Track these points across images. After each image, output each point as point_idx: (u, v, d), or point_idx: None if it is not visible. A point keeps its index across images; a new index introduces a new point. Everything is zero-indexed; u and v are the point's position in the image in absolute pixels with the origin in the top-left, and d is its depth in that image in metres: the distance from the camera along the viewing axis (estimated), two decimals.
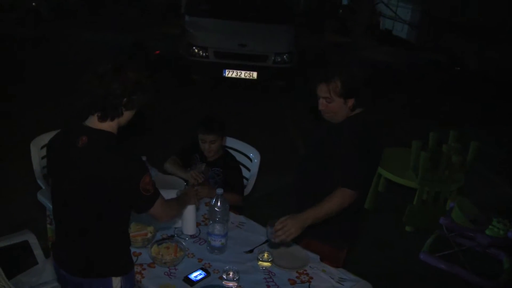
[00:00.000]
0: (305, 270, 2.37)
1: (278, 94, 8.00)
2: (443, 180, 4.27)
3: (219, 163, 3.26)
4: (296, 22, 8.64)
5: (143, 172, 1.89)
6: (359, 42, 13.37)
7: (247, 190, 3.46)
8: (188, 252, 2.43)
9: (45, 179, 3.26)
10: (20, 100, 6.82)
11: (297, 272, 2.35)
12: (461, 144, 4.49)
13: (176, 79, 7.96)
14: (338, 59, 2.65)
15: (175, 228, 2.64)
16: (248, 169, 3.58)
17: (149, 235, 2.48)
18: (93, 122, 1.91)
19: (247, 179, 3.55)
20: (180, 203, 2.30)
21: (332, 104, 2.39)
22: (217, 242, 2.43)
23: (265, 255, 2.39)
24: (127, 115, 1.95)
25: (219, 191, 2.48)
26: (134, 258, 2.33)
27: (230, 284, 2.21)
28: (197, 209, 2.59)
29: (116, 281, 2.01)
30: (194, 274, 2.27)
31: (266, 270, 2.33)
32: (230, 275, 2.23)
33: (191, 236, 2.58)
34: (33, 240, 2.75)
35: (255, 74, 7.51)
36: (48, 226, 3.09)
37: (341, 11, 15.92)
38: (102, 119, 1.89)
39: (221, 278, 2.24)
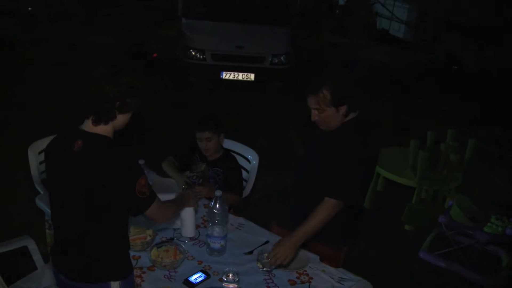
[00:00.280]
0: (305, 271, 2.37)
1: (276, 95, 8.01)
2: (442, 179, 4.28)
3: (219, 164, 3.28)
4: (293, 23, 8.65)
5: (138, 175, 1.90)
6: (356, 42, 13.39)
7: (246, 192, 3.47)
8: (188, 255, 2.44)
9: (44, 184, 3.26)
10: (19, 103, 6.82)
11: (297, 272, 2.35)
12: (459, 142, 4.50)
13: (174, 82, 7.97)
14: (327, 68, 2.65)
15: (175, 230, 2.64)
16: (247, 171, 3.58)
17: (149, 238, 2.48)
18: (88, 126, 1.92)
19: (245, 181, 3.55)
20: (177, 205, 2.30)
21: (324, 114, 2.39)
22: (216, 244, 2.43)
23: (265, 256, 2.39)
24: (121, 118, 1.95)
25: (218, 193, 2.48)
26: (134, 262, 2.34)
27: (230, 286, 2.21)
28: (196, 211, 2.59)
29: (115, 286, 2.01)
30: (194, 276, 2.27)
31: (266, 271, 2.33)
32: (230, 277, 2.23)
33: (191, 239, 2.59)
34: (32, 246, 2.75)
35: (252, 76, 7.52)
36: (47, 231, 3.09)
37: (337, 11, 15.95)
38: (96, 122, 1.90)
39: (221, 280, 2.25)
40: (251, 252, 2.50)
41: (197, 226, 2.69)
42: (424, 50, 12.39)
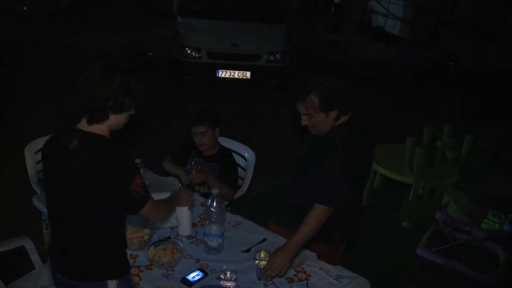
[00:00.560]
0: (303, 268, 2.38)
1: (272, 93, 8.00)
2: (438, 176, 4.29)
3: (215, 159, 3.29)
4: (288, 21, 8.65)
5: (134, 175, 1.89)
6: (352, 39, 13.40)
7: (243, 190, 3.47)
8: (185, 253, 2.43)
9: (41, 183, 3.25)
10: (16, 102, 6.80)
11: (294, 270, 2.36)
12: (455, 139, 4.51)
13: (170, 81, 7.96)
14: (313, 75, 2.61)
15: (172, 229, 2.64)
16: (243, 169, 3.58)
17: (146, 237, 2.48)
18: (84, 125, 1.92)
19: (242, 179, 3.56)
20: (169, 204, 2.29)
21: (314, 119, 2.37)
22: (214, 243, 2.43)
23: (262, 254, 2.39)
24: (115, 118, 1.94)
25: (215, 191, 2.48)
26: (131, 261, 2.33)
27: (228, 284, 2.22)
28: (190, 209, 2.56)
29: (112, 285, 2.01)
30: (192, 275, 2.27)
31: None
32: (228, 275, 2.23)
33: (188, 237, 2.58)
34: (29, 245, 2.74)
35: (248, 74, 7.52)
36: (44, 231, 3.08)
37: (333, 9, 15.96)
38: (89, 122, 1.90)
39: (219, 278, 2.25)
40: (248, 250, 2.50)
41: (194, 225, 2.69)
42: (420, 47, 12.41)
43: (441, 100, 8.52)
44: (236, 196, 3.41)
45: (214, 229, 2.41)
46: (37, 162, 3.34)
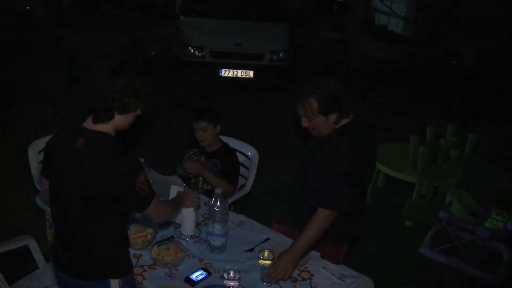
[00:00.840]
0: (306, 268, 2.38)
1: (275, 92, 8.00)
2: (442, 175, 4.28)
3: (217, 155, 3.31)
4: (291, 20, 8.63)
5: (138, 172, 1.91)
6: (355, 38, 13.37)
7: (246, 189, 3.47)
8: (189, 253, 2.43)
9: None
10: (19, 102, 6.81)
11: (298, 269, 2.35)
12: (458, 138, 4.50)
13: (173, 80, 7.96)
14: (313, 78, 2.61)
15: (175, 229, 2.64)
16: (247, 168, 3.58)
17: (149, 236, 2.48)
18: (90, 123, 1.94)
19: (245, 178, 3.56)
20: (174, 205, 2.30)
21: (313, 121, 2.36)
22: (217, 242, 2.43)
23: (266, 253, 2.40)
24: (120, 118, 1.96)
25: (218, 191, 2.48)
26: (135, 260, 2.34)
27: (232, 283, 2.21)
28: (195, 209, 2.57)
29: (114, 284, 2.01)
30: (195, 274, 2.27)
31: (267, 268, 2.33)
32: (231, 275, 2.23)
33: (191, 237, 2.58)
34: (33, 245, 2.75)
35: (251, 73, 7.51)
36: (48, 230, 3.09)
37: (336, 7, 15.92)
38: (95, 121, 1.92)
39: (222, 278, 2.25)
40: (252, 250, 2.50)
41: (198, 224, 2.69)
42: (423, 45, 12.38)
43: (444, 99, 8.49)
44: (240, 195, 3.41)
45: (217, 228, 2.41)
46: (40, 162, 3.34)
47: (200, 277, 2.25)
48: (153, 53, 8.85)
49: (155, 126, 6.07)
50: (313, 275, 2.33)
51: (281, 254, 2.29)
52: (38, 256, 2.77)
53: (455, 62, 10.30)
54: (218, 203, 2.44)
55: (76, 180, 1.90)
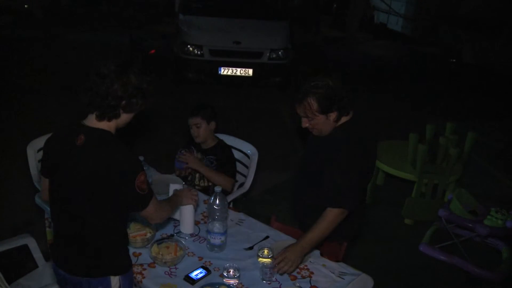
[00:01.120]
0: (306, 265, 2.38)
1: (274, 90, 8.00)
2: (441, 172, 4.29)
3: (213, 152, 3.33)
4: (290, 18, 8.62)
5: (138, 171, 1.91)
6: (354, 36, 13.37)
7: (245, 187, 3.47)
8: (188, 251, 2.43)
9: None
10: (18, 101, 6.81)
11: (297, 267, 2.35)
12: (458, 136, 4.50)
13: (172, 78, 7.95)
14: (311, 77, 2.61)
15: (175, 227, 2.64)
16: (246, 166, 3.58)
17: (149, 235, 2.48)
18: (91, 121, 1.93)
19: (244, 176, 3.56)
20: (171, 205, 2.28)
21: (314, 121, 2.37)
22: (216, 240, 2.43)
23: (265, 251, 2.40)
24: (124, 117, 1.97)
25: (218, 189, 2.48)
26: (134, 259, 2.34)
27: (231, 281, 2.22)
28: (194, 207, 2.57)
29: (115, 280, 2.02)
30: (195, 272, 2.27)
31: (267, 266, 2.33)
32: (231, 273, 2.23)
33: (191, 235, 2.58)
34: (32, 244, 2.75)
35: (250, 71, 7.50)
36: (47, 229, 3.09)
37: (335, 5, 15.91)
38: (99, 118, 1.91)
39: (222, 276, 2.25)
40: (251, 248, 2.50)
41: (197, 222, 2.69)
42: (422, 43, 12.38)
43: (444, 97, 8.50)
44: (239, 193, 3.41)
45: (217, 226, 2.41)
46: (40, 161, 3.34)
47: (200, 275, 2.25)
48: (153, 51, 8.84)
49: (154, 124, 6.06)
50: (312, 273, 2.33)
51: (288, 247, 2.31)
52: (38, 255, 2.77)
53: (454, 60, 10.31)
54: (217, 201, 2.44)
55: (77, 177, 1.90)
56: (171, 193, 2.55)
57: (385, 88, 8.81)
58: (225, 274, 2.24)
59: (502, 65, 9.09)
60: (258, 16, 8.10)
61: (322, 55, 10.94)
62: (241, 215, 2.83)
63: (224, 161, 3.32)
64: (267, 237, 2.60)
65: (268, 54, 7.53)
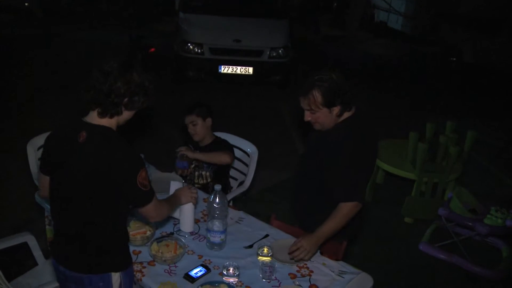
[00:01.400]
0: (306, 264, 2.38)
1: (274, 89, 7.99)
2: (441, 171, 4.28)
3: (210, 148, 3.34)
4: (290, 16, 8.61)
5: (140, 167, 1.92)
6: (354, 35, 13.35)
7: (245, 185, 3.47)
8: (188, 249, 2.44)
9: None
10: (19, 99, 6.80)
11: (297, 266, 2.36)
12: (457, 134, 4.50)
13: (172, 76, 7.95)
14: (316, 71, 2.63)
15: (175, 225, 2.64)
16: (246, 164, 3.58)
17: (148, 233, 2.48)
18: (93, 118, 1.95)
19: (244, 174, 3.56)
20: (170, 203, 2.29)
21: (317, 114, 2.37)
22: (216, 238, 2.43)
23: (265, 249, 2.40)
24: (126, 114, 1.99)
25: (217, 187, 2.47)
26: (134, 257, 2.34)
27: (231, 279, 2.22)
28: (194, 205, 2.57)
29: (116, 277, 2.03)
30: (195, 270, 2.27)
31: (267, 264, 2.33)
32: (231, 271, 2.23)
33: (191, 233, 2.59)
34: (32, 242, 2.75)
35: (250, 70, 7.49)
36: (47, 227, 3.09)
37: (335, 4, 15.89)
38: (101, 115, 1.93)
39: (222, 274, 2.25)
40: (251, 246, 2.50)
41: (197, 221, 2.70)
42: (422, 42, 12.37)
43: (444, 96, 8.49)
44: (239, 192, 3.42)
45: (216, 224, 2.41)
46: (39, 159, 3.34)
47: (200, 273, 2.25)
48: (153, 49, 8.82)
49: (154, 122, 6.06)
50: (312, 271, 2.33)
51: (303, 236, 2.35)
52: (38, 253, 2.77)
53: (454, 58, 10.29)
54: (217, 199, 2.44)
55: (78, 174, 1.91)
56: (172, 191, 2.55)
57: (385, 87, 8.80)
58: (224, 272, 2.24)
59: (502, 63, 9.08)
60: (258, 14, 8.09)
61: (322, 54, 10.93)
62: (241, 214, 2.83)
63: (220, 150, 3.34)
64: (267, 235, 2.60)
65: (268, 53, 7.52)
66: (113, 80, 1.88)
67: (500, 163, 5.73)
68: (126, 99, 1.93)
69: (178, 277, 2.24)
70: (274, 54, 7.58)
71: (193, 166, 3.32)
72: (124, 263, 2.08)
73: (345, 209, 2.36)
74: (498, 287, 3.65)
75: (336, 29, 14.28)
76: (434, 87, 9.05)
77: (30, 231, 2.82)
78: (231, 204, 3.22)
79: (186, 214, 2.55)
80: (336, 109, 2.35)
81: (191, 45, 7.45)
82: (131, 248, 2.35)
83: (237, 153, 3.54)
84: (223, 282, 2.20)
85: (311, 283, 2.25)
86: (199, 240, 2.54)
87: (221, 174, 3.40)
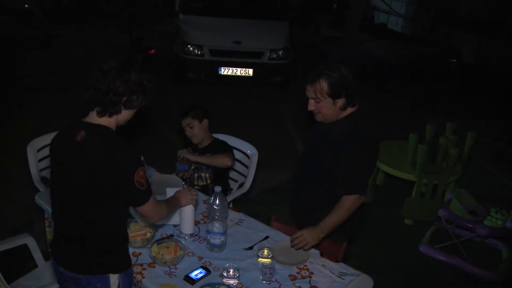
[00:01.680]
0: (306, 266, 2.38)
1: (275, 90, 8.00)
2: (441, 173, 4.28)
3: (209, 150, 3.35)
4: (290, 18, 8.62)
5: (137, 166, 1.93)
6: (354, 36, 13.36)
7: (246, 187, 3.47)
8: (188, 251, 2.43)
9: (43, 182, 3.26)
10: (17, 101, 6.80)
11: (297, 267, 2.35)
12: (457, 136, 4.50)
13: (172, 78, 7.95)
14: (326, 60, 2.67)
15: (175, 227, 2.64)
16: (246, 166, 3.58)
17: (149, 235, 2.48)
18: (92, 117, 1.97)
19: (244, 176, 3.56)
20: (170, 205, 2.29)
21: (321, 104, 2.40)
22: (216, 240, 2.43)
23: (265, 251, 2.39)
24: (125, 114, 2.00)
25: (217, 189, 2.47)
26: (134, 258, 2.34)
27: (231, 281, 2.21)
28: (194, 207, 2.57)
29: (114, 278, 2.03)
30: (195, 272, 2.27)
31: (267, 266, 2.33)
32: (231, 273, 2.23)
33: (191, 235, 2.58)
34: (32, 244, 2.75)
35: (250, 71, 7.49)
36: (47, 229, 3.08)
37: (335, 5, 15.91)
38: (100, 114, 1.94)
39: (222, 276, 2.25)
40: (251, 248, 2.50)
41: (197, 222, 2.69)
42: (422, 43, 12.38)
43: (443, 97, 8.49)
44: (239, 193, 3.42)
45: (216, 226, 2.41)
46: (39, 160, 3.35)
47: (200, 275, 2.25)
48: (153, 51, 8.82)
49: (154, 124, 6.07)
50: (312, 273, 2.33)
51: (306, 229, 2.40)
52: (37, 255, 2.77)
53: (454, 60, 10.30)
54: (217, 201, 2.44)
55: (77, 174, 1.91)
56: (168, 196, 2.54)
57: (385, 88, 8.81)
58: (224, 274, 2.24)
59: (502, 64, 9.08)
60: (258, 16, 8.10)
61: (322, 55, 10.93)
62: (241, 215, 2.82)
63: (219, 152, 3.34)
64: (267, 237, 2.60)
65: (268, 54, 7.53)
66: (111, 79, 1.90)
67: (500, 165, 5.74)
68: (124, 98, 1.94)
69: (178, 279, 2.23)
70: (274, 56, 7.59)
71: (192, 168, 3.32)
72: (123, 264, 2.08)
73: (347, 203, 2.39)
74: None
75: (336, 31, 14.30)
76: (434, 88, 9.06)
77: (30, 233, 2.82)
78: (231, 205, 3.22)
79: (186, 216, 2.55)
80: (340, 102, 2.38)
81: (191, 46, 7.46)
82: (131, 250, 2.35)
83: (237, 154, 3.54)
84: (223, 284, 2.19)
85: (311, 284, 2.25)
86: (199, 242, 2.54)
87: (220, 176, 3.40)
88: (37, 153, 3.31)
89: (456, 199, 3.73)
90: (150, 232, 2.50)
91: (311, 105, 2.44)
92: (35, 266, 2.78)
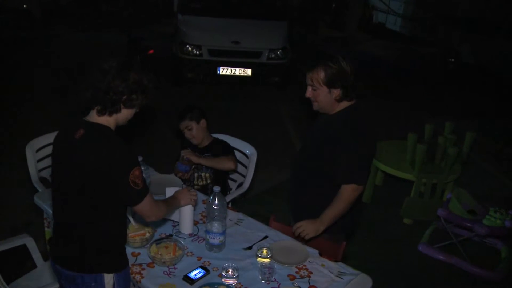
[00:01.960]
0: (305, 265, 2.38)
1: (273, 90, 8.00)
2: (440, 172, 4.29)
3: (209, 149, 3.35)
4: (289, 17, 8.62)
5: (133, 165, 1.93)
6: (353, 36, 13.37)
7: (245, 187, 3.47)
8: (187, 251, 2.43)
9: (42, 181, 3.25)
10: (16, 101, 6.80)
11: (296, 267, 2.35)
12: (456, 135, 4.50)
13: (171, 78, 7.95)
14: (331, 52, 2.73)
15: (174, 227, 2.64)
16: (245, 166, 3.58)
17: (148, 235, 2.48)
18: (92, 116, 1.98)
19: (243, 176, 3.56)
20: (169, 205, 2.29)
21: (317, 92, 2.45)
22: (215, 240, 2.43)
23: (264, 251, 2.39)
24: (125, 113, 2.01)
25: (216, 188, 2.47)
26: (133, 259, 2.34)
27: (230, 281, 2.21)
28: (193, 206, 2.57)
29: (108, 278, 2.03)
30: (194, 272, 2.27)
31: (266, 266, 2.33)
32: (230, 273, 2.23)
33: (190, 235, 2.58)
34: (31, 244, 2.75)
35: (249, 71, 7.50)
36: (46, 229, 3.08)
37: (334, 5, 15.92)
38: (100, 113, 1.95)
39: (221, 276, 2.25)
40: (250, 248, 2.50)
41: (196, 222, 2.69)
42: (420, 43, 12.39)
43: (442, 97, 8.50)
44: (238, 193, 3.42)
45: (215, 226, 2.41)
46: (38, 161, 3.34)
47: (199, 275, 2.25)
48: (151, 51, 8.81)
49: (153, 124, 6.07)
50: (311, 272, 2.33)
51: (306, 220, 2.47)
52: (36, 255, 2.77)
53: (452, 59, 10.31)
54: (216, 201, 2.44)
55: (75, 171, 1.92)
56: (167, 196, 2.54)
57: (384, 87, 8.81)
58: (224, 274, 2.24)
59: (500, 64, 9.09)
60: (257, 16, 8.10)
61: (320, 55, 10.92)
62: (240, 215, 2.82)
63: (220, 152, 3.33)
64: (266, 237, 2.60)
65: (267, 54, 7.53)
66: (111, 78, 1.91)
67: (499, 164, 5.74)
68: (124, 97, 1.95)
69: (177, 278, 2.23)
70: (273, 56, 7.59)
71: (193, 167, 3.32)
72: (118, 264, 2.08)
73: (345, 193, 2.43)
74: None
75: (335, 30, 14.30)
76: (433, 87, 9.06)
77: (29, 233, 2.82)
78: (230, 205, 3.22)
79: (185, 215, 2.55)
80: (336, 92, 2.42)
81: (189, 46, 7.46)
82: (130, 250, 2.36)
83: (236, 154, 3.54)
84: (223, 284, 2.20)
85: (310, 284, 2.25)
86: (198, 242, 2.54)
87: (220, 176, 3.40)
88: (36, 153, 3.31)
89: (455, 198, 3.74)
90: (149, 232, 2.50)
91: (309, 92, 2.49)
92: (34, 266, 2.78)
